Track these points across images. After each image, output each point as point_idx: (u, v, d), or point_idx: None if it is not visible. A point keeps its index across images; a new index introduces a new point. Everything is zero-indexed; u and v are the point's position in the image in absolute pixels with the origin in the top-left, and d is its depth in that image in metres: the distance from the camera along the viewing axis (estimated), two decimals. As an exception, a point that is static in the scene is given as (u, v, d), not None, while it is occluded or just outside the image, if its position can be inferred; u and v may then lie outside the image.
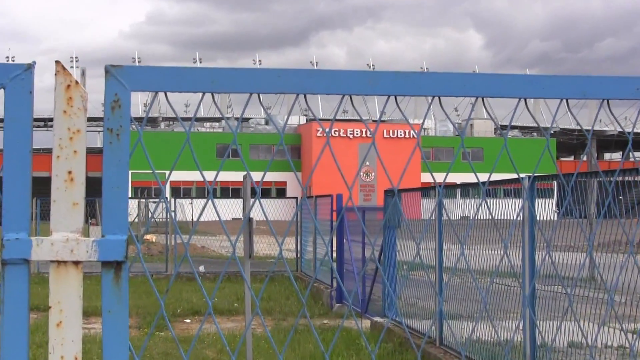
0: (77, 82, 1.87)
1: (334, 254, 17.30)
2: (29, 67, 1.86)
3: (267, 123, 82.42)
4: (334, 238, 17.66)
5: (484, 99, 2.15)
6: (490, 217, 9.62)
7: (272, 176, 74.24)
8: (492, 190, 10.34)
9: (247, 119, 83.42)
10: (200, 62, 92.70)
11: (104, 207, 1.84)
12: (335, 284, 17.36)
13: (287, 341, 2.25)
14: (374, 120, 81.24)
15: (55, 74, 1.86)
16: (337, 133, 73.81)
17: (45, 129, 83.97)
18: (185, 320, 15.34)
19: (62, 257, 1.80)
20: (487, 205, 2.19)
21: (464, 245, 2.25)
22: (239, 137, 75.93)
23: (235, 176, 59.68)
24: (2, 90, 1.86)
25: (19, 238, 1.80)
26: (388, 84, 2.03)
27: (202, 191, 72.21)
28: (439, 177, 66.83)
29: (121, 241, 1.82)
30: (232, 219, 27.67)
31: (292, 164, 2.23)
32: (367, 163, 74.11)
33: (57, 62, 1.88)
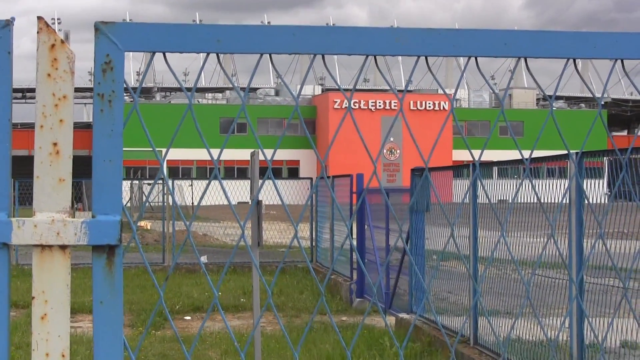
0: (62, 41, 1.87)
1: (354, 242, 17.28)
2: (8, 24, 1.85)
3: (277, 94, 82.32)
4: (353, 224, 17.65)
5: (527, 61, 2.12)
6: (535, 199, 9.58)
7: (283, 154, 74.24)
8: (534, 169, 10.30)
9: (255, 89, 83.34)
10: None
11: (94, 183, 1.84)
12: (355, 276, 17.38)
13: (302, 339, 2.25)
14: (399, 91, 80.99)
15: (38, 32, 1.86)
16: (357, 105, 73.65)
17: (23, 101, 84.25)
18: (185, 318, 15.41)
19: (47, 240, 1.80)
20: (532, 185, 2.18)
21: (504, 230, 2.24)
22: (246, 109, 75.36)
23: (241, 154, 59.69)
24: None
25: (-3, 219, 1.79)
26: (418, 43, 2.02)
27: (204, 172, 72.34)
28: (475, 155, 66.72)
29: (114, 222, 1.82)
30: (238, 202, 27.69)
31: (310, 138, 2.23)
32: (392, 139, 74.02)
33: (39, 18, 1.88)
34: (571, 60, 2.07)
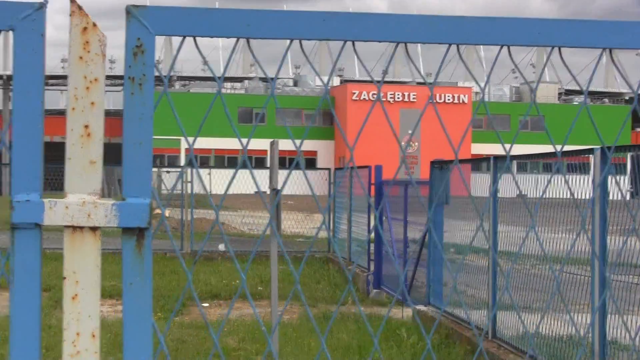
0: (94, 25, 1.87)
1: (372, 235, 17.28)
2: (41, 7, 1.86)
3: (295, 84, 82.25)
4: (371, 216, 17.65)
5: (561, 50, 2.11)
6: (555, 194, 9.54)
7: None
8: (555, 164, 10.26)
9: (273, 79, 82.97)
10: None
11: (125, 166, 1.84)
12: (372, 267, 17.39)
13: (328, 327, 2.26)
14: (417, 83, 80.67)
15: (71, 15, 1.86)
16: (375, 96, 73.36)
17: (46, 87, 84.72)
18: (203, 305, 15.47)
19: (78, 222, 1.81)
20: (565, 179, 2.17)
21: (535, 222, 2.24)
22: (264, 100, 75.66)
23: (259, 144, 59.55)
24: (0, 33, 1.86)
25: (29, 200, 1.81)
26: (450, 30, 2.00)
27: (222, 160, 72.41)
28: (492, 148, 66.27)
29: (144, 205, 1.82)
30: (255, 192, 27.75)
31: (339, 125, 2.23)
32: (410, 132, 73.84)
33: (72, 1, 1.88)
34: (606, 51, 2.05)
